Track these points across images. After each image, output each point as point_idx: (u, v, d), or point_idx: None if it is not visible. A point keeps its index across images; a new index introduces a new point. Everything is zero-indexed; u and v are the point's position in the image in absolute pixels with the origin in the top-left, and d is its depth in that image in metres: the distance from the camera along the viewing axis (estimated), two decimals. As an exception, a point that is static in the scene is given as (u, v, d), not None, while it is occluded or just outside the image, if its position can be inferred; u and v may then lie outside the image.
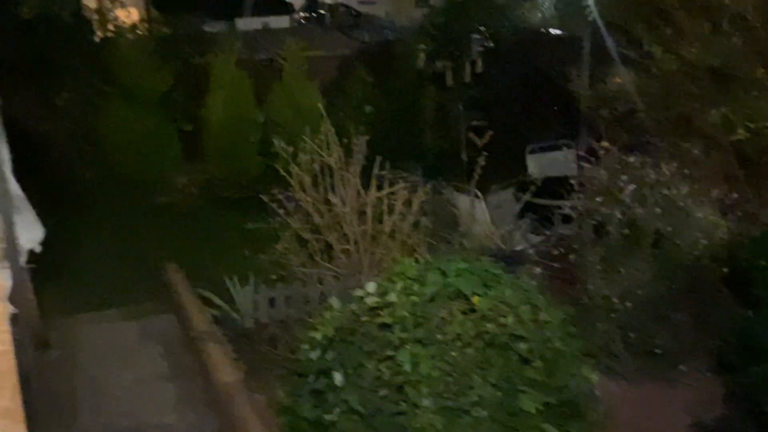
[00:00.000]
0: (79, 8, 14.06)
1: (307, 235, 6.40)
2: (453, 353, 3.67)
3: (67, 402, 5.61)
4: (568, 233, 6.94)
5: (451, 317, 3.77)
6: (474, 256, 5.27)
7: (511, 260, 6.17)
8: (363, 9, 29.34)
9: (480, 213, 7.64)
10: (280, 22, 24.21)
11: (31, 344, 5.96)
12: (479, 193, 7.73)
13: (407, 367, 3.60)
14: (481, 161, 6.94)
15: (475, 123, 11.41)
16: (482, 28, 12.95)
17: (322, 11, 28.78)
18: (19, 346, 3.45)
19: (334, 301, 4.16)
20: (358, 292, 3.99)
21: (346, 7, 29.94)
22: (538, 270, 6.31)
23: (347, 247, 6.29)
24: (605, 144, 6.46)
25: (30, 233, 5.68)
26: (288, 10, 27.09)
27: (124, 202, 10.44)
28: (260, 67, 12.44)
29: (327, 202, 6.32)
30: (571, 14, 13.75)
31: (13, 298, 3.14)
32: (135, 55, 11.10)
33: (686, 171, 6.24)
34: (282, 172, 6.39)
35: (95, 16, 14.31)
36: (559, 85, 9.63)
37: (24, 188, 5.78)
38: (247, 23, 20.83)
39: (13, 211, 5.44)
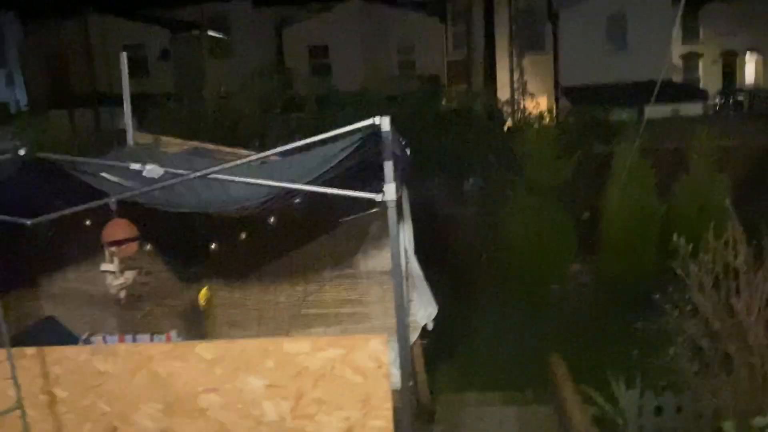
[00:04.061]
0: (492, 102, 15.19)
1: (702, 342, 5.80)
2: None
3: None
4: None
5: None
6: None
7: None
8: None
9: None
10: (692, 109, 23.20)
11: (418, 417, 6.28)
12: None
13: None
14: None
15: None
16: None
17: (740, 98, 26.91)
18: (398, 423, 3.65)
19: (728, 427, 3.64)
20: (758, 421, 3.43)
21: (770, 92, 27.52)
22: None
23: (750, 360, 5.53)
24: None
25: (425, 310, 6.09)
26: (702, 97, 25.91)
27: (516, 287, 10.67)
28: (665, 156, 11.86)
29: (729, 307, 5.66)
30: None
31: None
32: (538, 145, 11.37)
33: None
34: (679, 271, 5.92)
35: (506, 108, 15.35)
36: None
37: (425, 266, 6.23)
38: (656, 111, 20.29)
39: (411, 289, 5.89)
